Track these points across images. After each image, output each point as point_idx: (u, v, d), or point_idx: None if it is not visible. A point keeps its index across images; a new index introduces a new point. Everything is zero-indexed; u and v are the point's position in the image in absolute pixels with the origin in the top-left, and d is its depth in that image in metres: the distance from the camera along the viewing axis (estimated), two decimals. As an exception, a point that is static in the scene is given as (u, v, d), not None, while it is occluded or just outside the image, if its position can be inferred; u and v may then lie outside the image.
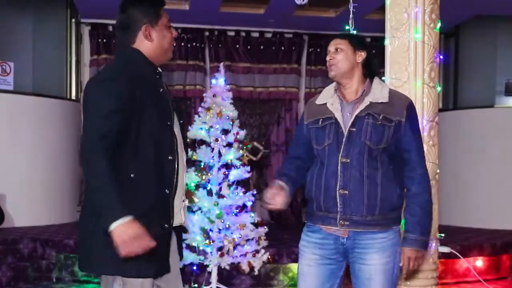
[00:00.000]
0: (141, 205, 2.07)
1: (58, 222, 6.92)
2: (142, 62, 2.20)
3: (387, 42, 3.47)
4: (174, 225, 2.23)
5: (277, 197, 2.36)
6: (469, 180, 7.25)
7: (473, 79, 7.85)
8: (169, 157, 2.16)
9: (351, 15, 3.81)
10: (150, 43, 2.21)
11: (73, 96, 7.65)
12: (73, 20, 7.69)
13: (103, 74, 2.18)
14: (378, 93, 2.39)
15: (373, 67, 2.47)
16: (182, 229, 2.38)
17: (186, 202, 2.35)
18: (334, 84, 2.52)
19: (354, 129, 2.35)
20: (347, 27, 3.92)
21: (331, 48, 2.45)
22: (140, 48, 2.21)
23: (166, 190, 2.16)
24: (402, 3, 3.34)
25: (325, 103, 2.46)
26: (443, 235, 3.56)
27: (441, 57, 3.54)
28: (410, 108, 2.41)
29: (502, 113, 7.41)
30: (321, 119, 2.44)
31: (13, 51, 7.09)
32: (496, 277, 5.59)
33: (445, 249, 3.80)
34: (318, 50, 8.34)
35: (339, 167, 2.34)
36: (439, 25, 3.44)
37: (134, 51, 2.21)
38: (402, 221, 2.44)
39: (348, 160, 2.33)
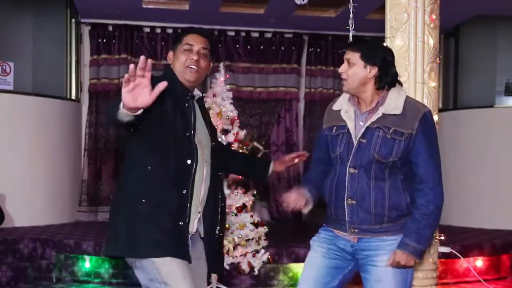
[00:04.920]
0: (155, 196, 2.29)
1: (58, 222, 6.92)
2: (174, 78, 2.46)
3: (387, 42, 3.46)
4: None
5: (295, 199, 2.43)
6: (469, 180, 7.25)
7: (473, 79, 7.85)
8: (188, 162, 2.34)
9: (351, 15, 3.79)
10: (172, 65, 2.50)
11: (73, 96, 7.65)
12: (73, 20, 7.68)
13: None
14: (392, 103, 2.34)
15: (390, 78, 2.37)
16: (212, 238, 2.52)
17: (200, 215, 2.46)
18: None
19: (364, 141, 2.33)
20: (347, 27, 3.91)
21: (344, 58, 2.40)
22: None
23: (184, 191, 2.33)
24: (402, 3, 3.34)
25: (340, 110, 2.44)
26: (443, 235, 3.56)
27: (441, 57, 3.54)
28: (423, 120, 2.32)
29: (502, 113, 7.40)
30: (335, 127, 2.43)
31: (13, 51, 7.08)
32: (496, 277, 5.59)
33: (445, 249, 3.79)
34: (318, 50, 8.35)
35: (347, 177, 2.35)
36: (439, 25, 3.44)
37: (169, 68, 2.52)
38: None
39: (356, 171, 2.33)
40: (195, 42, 2.46)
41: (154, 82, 2.40)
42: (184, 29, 2.55)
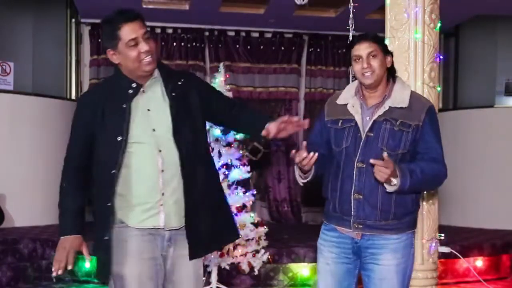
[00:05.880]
0: (95, 212, 2.48)
1: (58, 222, 6.90)
2: (120, 78, 2.32)
3: (387, 42, 3.46)
4: (146, 227, 2.29)
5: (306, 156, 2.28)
6: (469, 180, 7.24)
7: (473, 79, 7.85)
8: (112, 171, 2.27)
9: (351, 15, 3.80)
10: (119, 64, 2.30)
11: (73, 96, 7.65)
12: (73, 20, 7.69)
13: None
14: (398, 97, 2.36)
15: (395, 69, 2.46)
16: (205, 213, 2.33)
17: (170, 203, 2.28)
18: (355, 83, 2.47)
19: (371, 134, 2.33)
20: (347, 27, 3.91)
21: (363, 53, 2.33)
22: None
23: (108, 203, 2.31)
24: (402, 3, 3.34)
25: (346, 104, 2.43)
26: (443, 235, 3.56)
27: (441, 57, 3.54)
28: (430, 112, 2.36)
29: (502, 113, 7.40)
30: (341, 120, 2.41)
31: (13, 51, 7.08)
32: (496, 277, 5.59)
33: (445, 249, 3.79)
34: (318, 50, 8.34)
35: (354, 171, 2.34)
36: (439, 25, 3.44)
37: (116, 69, 2.35)
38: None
39: (364, 165, 2.32)
40: (136, 33, 2.23)
41: (97, 88, 2.43)
42: (113, 22, 2.25)
